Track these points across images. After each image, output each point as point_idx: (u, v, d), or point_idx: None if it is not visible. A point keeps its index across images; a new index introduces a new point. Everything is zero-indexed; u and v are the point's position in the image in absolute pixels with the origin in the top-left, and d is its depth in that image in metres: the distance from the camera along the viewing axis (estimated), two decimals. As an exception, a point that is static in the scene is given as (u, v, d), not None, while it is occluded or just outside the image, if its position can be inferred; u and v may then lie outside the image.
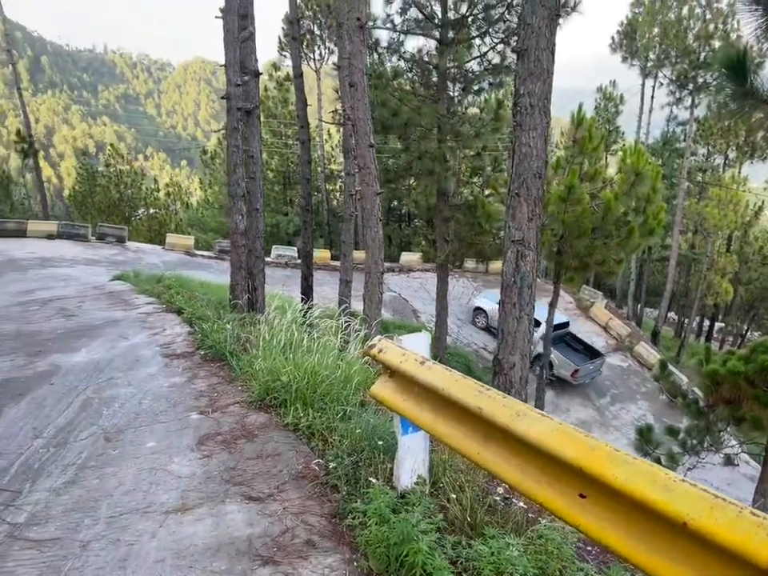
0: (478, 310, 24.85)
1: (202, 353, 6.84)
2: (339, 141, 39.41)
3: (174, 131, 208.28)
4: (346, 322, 6.85)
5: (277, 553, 3.05)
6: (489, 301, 23.91)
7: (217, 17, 8.35)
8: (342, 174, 39.15)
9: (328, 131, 39.14)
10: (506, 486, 3.46)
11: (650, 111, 33.42)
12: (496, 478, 2.33)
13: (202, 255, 27.00)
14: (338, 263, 30.46)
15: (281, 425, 4.68)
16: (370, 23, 13.29)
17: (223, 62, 9.00)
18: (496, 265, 29.10)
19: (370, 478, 3.34)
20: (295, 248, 29.66)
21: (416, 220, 31.40)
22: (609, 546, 1.84)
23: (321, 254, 29.04)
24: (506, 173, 27.32)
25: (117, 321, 8.94)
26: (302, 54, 31.79)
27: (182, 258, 25.12)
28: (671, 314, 43.26)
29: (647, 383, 23.93)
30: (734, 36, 27.05)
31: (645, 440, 10.52)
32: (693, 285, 33.01)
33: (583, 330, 26.43)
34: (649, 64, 30.58)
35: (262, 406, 5.09)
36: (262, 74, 10.58)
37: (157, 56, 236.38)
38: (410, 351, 2.90)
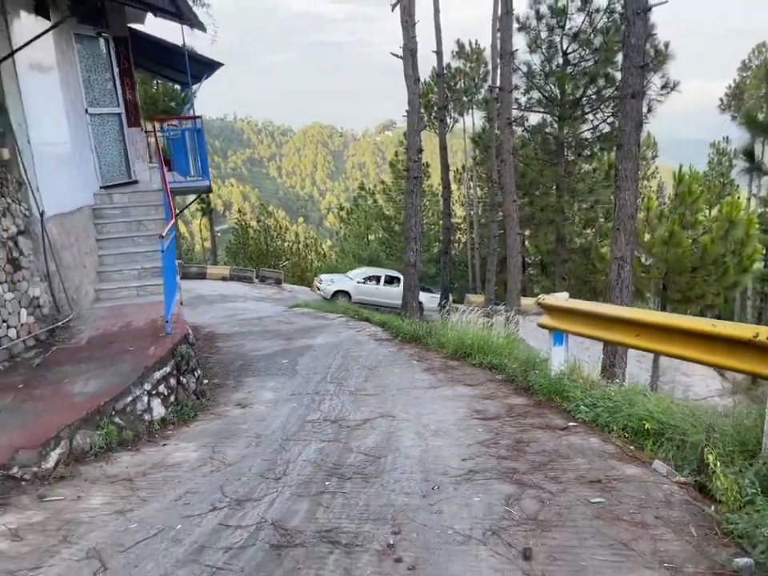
0: (339, 293, 24.15)
1: (400, 338, 10.22)
2: (458, 197, 43.25)
3: (292, 190, 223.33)
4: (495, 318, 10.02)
5: (490, 397, 6.19)
6: (345, 281, 24.34)
7: (403, 116, 12.17)
8: (462, 226, 42.87)
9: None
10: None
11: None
12: (614, 344, 5.33)
13: (342, 296, 31.31)
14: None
15: (469, 364, 7.86)
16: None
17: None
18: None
19: (535, 371, 6.41)
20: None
21: (530, 268, 34.17)
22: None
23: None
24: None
25: (326, 325, 12.62)
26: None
27: (327, 297, 29.45)
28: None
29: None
30: None
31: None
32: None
33: (698, 372, 27.42)
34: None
35: (454, 357, 8.29)
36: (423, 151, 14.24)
37: (280, 122, 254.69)
38: (560, 296, 6.01)
